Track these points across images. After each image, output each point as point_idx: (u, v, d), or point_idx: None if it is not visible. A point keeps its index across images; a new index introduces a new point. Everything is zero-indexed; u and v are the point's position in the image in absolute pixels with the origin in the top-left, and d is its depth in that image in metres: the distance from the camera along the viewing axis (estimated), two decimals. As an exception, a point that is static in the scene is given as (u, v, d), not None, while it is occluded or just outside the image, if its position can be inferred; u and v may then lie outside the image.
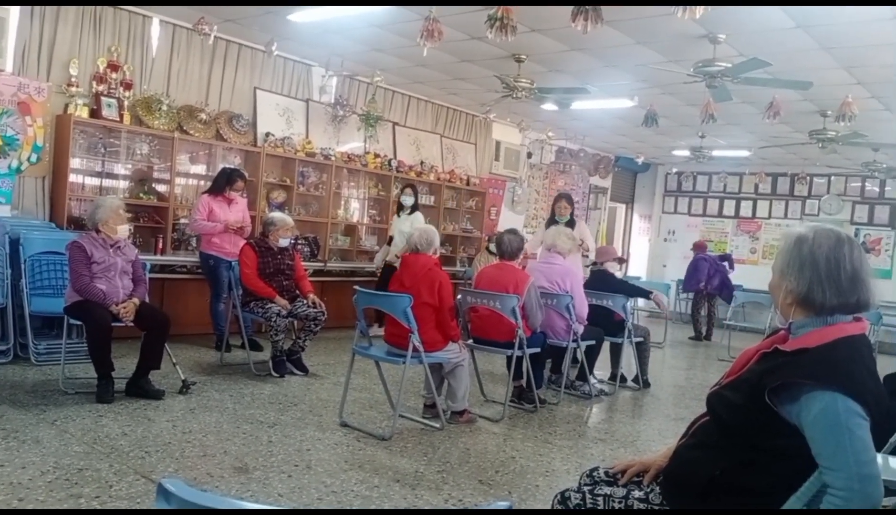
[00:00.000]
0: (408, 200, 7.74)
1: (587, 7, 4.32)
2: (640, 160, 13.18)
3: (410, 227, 6.81)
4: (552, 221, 6.98)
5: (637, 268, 14.26)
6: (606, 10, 4.50)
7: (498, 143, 11.09)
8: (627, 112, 9.05)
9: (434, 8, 5.05)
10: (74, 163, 6.40)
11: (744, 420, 1.80)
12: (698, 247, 11.18)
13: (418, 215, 7.68)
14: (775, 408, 1.72)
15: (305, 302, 5.74)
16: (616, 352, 6.35)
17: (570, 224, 6.89)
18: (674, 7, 4.16)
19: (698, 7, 4.02)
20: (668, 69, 6.59)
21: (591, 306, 5.87)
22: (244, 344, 5.85)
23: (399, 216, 7.82)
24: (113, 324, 4.52)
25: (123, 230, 4.79)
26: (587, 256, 7.29)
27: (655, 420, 5.51)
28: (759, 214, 13.39)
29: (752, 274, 12.62)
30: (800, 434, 1.69)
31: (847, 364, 1.69)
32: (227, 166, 6.90)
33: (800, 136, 9.18)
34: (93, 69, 6.48)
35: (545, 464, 4.12)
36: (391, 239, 7.79)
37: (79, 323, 4.76)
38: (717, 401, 1.91)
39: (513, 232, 5.42)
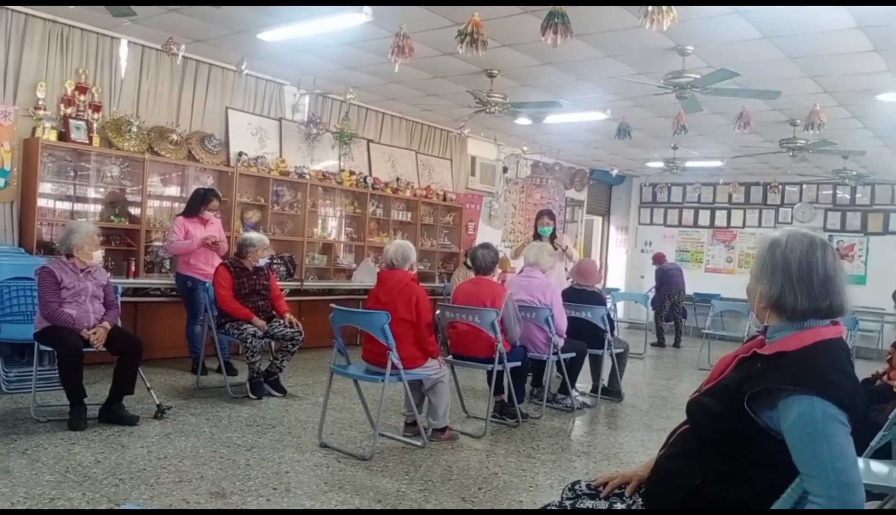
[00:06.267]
0: None
1: (556, 21, 4.34)
2: (614, 172, 13.30)
3: None
4: (537, 237, 7.02)
5: (615, 280, 14.36)
6: (576, 24, 4.52)
7: (473, 159, 11.11)
8: (600, 125, 9.11)
9: (404, 24, 5.04)
10: (43, 187, 6.29)
11: (723, 427, 1.78)
12: (659, 259, 11.70)
13: None
14: (754, 416, 1.70)
15: (282, 322, 5.67)
16: (596, 365, 6.34)
17: (553, 235, 6.95)
18: (641, 19, 4.18)
19: (665, 17, 4.03)
20: (639, 81, 6.65)
21: (572, 319, 5.88)
22: (220, 367, 5.75)
23: None
24: (84, 350, 4.43)
25: (98, 255, 4.71)
26: (571, 260, 7.28)
27: (637, 431, 5.50)
28: (733, 223, 13.53)
29: (729, 283, 12.75)
30: (780, 442, 1.67)
31: (825, 367, 1.68)
32: (201, 187, 6.83)
33: (770, 146, 9.29)
34: (60, 92, 6.39)
35: (528, 479, 4.08)
36: None
37: (50, 349, 4.65)
38: (697, 409, 1.89)
39: (486, 246, 5.41)
